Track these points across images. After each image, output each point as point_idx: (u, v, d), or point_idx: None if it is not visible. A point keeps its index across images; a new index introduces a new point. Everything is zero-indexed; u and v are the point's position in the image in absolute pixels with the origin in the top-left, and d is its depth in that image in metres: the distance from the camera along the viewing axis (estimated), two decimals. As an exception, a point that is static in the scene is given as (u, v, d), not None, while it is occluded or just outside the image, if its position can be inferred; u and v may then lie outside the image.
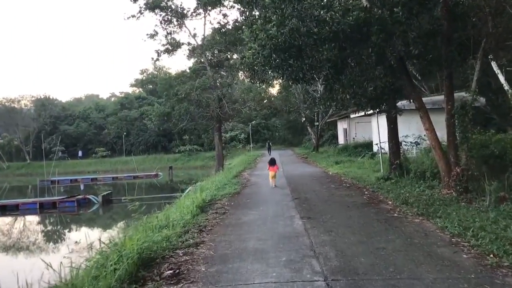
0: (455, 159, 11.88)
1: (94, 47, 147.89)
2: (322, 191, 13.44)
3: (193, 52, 33.92)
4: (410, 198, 10.85)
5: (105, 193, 26.31)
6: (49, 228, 22.64)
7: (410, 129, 24.01)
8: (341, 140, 41.54)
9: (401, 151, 17.90)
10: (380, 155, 16.91)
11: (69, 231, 20.93)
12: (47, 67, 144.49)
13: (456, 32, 11.87)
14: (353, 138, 36.80)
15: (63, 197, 25.67)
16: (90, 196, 25.37)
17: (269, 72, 12.27)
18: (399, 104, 23.53)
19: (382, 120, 26.61)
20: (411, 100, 12.21)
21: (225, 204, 11.65)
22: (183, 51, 32.48)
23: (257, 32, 10.71)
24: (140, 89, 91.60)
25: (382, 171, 16.41)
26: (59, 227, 22.29)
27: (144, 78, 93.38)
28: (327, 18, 10.31)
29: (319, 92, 38.76)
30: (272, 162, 16.07)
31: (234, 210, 10.72)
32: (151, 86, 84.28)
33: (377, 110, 14.04)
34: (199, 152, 62.28)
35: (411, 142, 22.94)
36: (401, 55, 10.26)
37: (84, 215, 23.39)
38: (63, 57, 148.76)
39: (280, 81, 44.53)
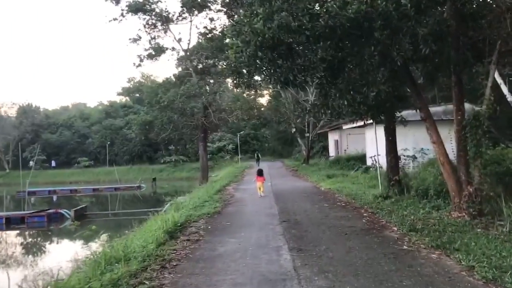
0: (466, 177, 10.31)
1: (82, 55, 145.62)
2: (314, 211, 11.75)
3: (181, 60, 32.36)
4: (417, 223, 9.25)
5: (78, 207, 24.34)
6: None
7: (407, 142, 22.49)
8: (332, 152, 40.03)
9: (400, 166, 16.38)
10: (378, 170, 15.32)
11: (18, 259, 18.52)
12: (33, 75, 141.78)
13: (466, 34, 10.37)
14: (345, 150, 35.32)
15: (32, 211, 23.66)
16: (62, 210, 23.41)
17: (255, 74, 10.67)
18: (404, 114, 22.11)
19: (377, 131, 25.25)
20: (417, 110, 10.64)
21: (200, 228, 9.90)
22: (168, 56, 30.36)
23: (240, 25, 9.09)
24: (127, 98, 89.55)
25: (380, 187, 14.78)
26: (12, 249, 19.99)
27: (131, 86, 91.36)
28: (322, 12, 8.76)
29: (310, 102, 37.30)
30: (260, 173, 16.94)
31: (210, 236, 8.98)
32: (138, 95, 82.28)
33: (377, 120, 12.44)
34: (185, 163, 60.37)
35: (408, 156, 21.47)
36: (408, 55, 8.69)
37: (52, 232, 21.38)
38: (50, 65, 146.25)
39: (268, 85, 43.19)
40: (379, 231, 8.77)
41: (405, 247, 7.39)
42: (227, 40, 10.95)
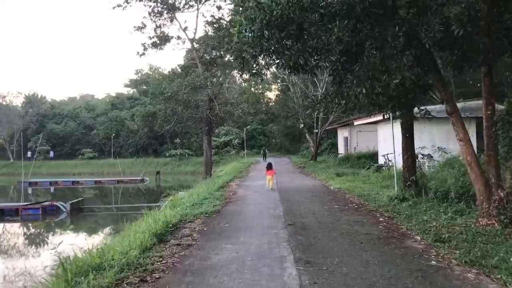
0: (496, 179, 9.10)
1: (91, 46, 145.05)
2: (324, 214, 10.57)
3: (188, 52, 31.22)
4: (442, 231, 8.08)
5: (74, 200, 23.33)
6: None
7: (422, 139, 21.22)
8: (341, 149, 38.76)
9: (416, 166, 15.15)
10: (394, 169, 14.08)
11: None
12: (41, 66, 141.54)
13: (500, 19, 9.10)
14: (355, 148, 34.09)
15: (27, 203, 22.70)
16: (58, 203, 22.40)
17: (260, 58, 9.47)
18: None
19: (388, 129, 23.94)
20: (444, 102, 9.38)
21: (195, 230, 8.76)
22: (173, 45, 29.15)
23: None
24: (134, 90, 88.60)
25: (396, 188, 13.55)
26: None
27: (138, 78, 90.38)
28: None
29: (319, 96, 35.97)
30: (269, 167, 17.52)
31: (204, 240, 7.84)
32: (145, 87, 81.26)
33: (397, 113, 11.18)
34: (191, 157, 59.27)
35: (423, 155, 20.23)
36: (438, 37, 7.46)
37: (47, 225, 20.33)
38: (59, 55, 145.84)
39: (274, 70, 41.74)
40: (399, 241, 7.58)
41: (433, 262, 6.19)
42: (230, 18, 9.77)
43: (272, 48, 8.44)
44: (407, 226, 8.77)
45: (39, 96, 76.26)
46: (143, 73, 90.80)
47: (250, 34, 8.22)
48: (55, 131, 69.83)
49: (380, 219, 9.74)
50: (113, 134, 64.52)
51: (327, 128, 39.38)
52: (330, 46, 7.89)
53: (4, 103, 70.20)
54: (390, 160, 22.16)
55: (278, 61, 8.53)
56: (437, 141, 21.12)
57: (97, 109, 77.14)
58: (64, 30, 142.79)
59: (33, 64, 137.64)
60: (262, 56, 8.96)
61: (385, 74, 8.10)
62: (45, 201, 23.43)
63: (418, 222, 9.03)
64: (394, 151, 14.14)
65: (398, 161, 21.79)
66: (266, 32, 7.93)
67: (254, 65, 10.95)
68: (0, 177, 59.36)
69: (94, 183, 43.65)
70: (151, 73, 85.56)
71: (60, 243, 6.17)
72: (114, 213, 23.91)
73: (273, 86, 55.68)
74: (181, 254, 6.85)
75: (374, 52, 8.04)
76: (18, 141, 68.36)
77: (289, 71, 8.62)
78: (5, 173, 62.28)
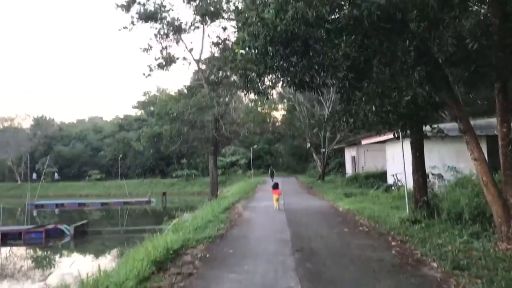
0: (515, 201, 8.64)
1: (100, 68, 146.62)
2: (333, 237, 10.08)
3: (195, 73, 31.19)
4: (459, 256, 7.58)
5: (78, 223, 22.94)
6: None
7: (432, 159, 20.68)
8: (348, 169, 38.18)
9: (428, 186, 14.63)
10: (405, 189, 13.57)
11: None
12: (50, 89, 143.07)
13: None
14: (362, 167, 33.51)
15: (30, 226, 22.33)
16: (61, 226, 22.02)
17: (264, 75, 9.15)
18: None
19: (397, 148, 23.45)
20: (457, 120, 8.96)
21: (197, 257, 8.31)
22: (179, 66, 29.06)
23: (247, 14, 7.65)
24: (142, 111, 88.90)
25: (407, 209, 13.01)
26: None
27: (146, 100, 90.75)
28: (345, 1, 7.28)
29: (326, 116, 35.65)
30: (276, 186, 17.57)
31: (206, 269, 7.39)
32: (152, 108, 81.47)
33: (406, 132, 10.74)
34: (197, 177, 58.86)
35: (433, 174, 19.69)
36: (451, 51, 7.10)
37: (47, 250, 19.90)
38: (68, 78, 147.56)
39: (280, 89, 41.36)
40: (415, 268, 7.07)
41: (454, 295, 5.70)
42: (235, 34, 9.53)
43: (277, 65, 8.13)
44: (422, 251, 8.26)
45: (47, 119, 76.66)
46: (151, 94, 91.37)
47: (253, 51, 7.93)
48: (62, 153, 69.90)
49: (393, 243, 9.23)
50: (120, 156, 64.42)
51: (334, 148, 38.94)
52: (337, 62, 7.55)
53: (12, 125, 70.54)
54: (399, 180, 21.62)
55: (283, 78, 8.19)
56: (446, 160, 20.57)
57: (104, 131, 77.33)
58: (74, 53, 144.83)
59: (42, 87, 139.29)
60: (266, 73, 8.63)
61: (395, 91, 7.72)
62: (49, 224, 23.06)
63: (433, 247, 8.52)
64: (405, 171, 13.63)
65: (408, 181, 21.35)
66: (270, 48, 7.63)
67: (259, 84, 10.65)
68: (7, 199, 59.14)
69: (101, 205, 43.29)
70: (158, 94, 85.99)
71: (50, 274, 5.76)
72: (119, 236, 23.46)
73: (279, 106, 55.53)
74: (180, 285, 6.41)
75: (383, 68, 7.68)
76: (26, 163, 68.59)
77: (294, 88, 8.28)
78: (13, 195, 62.15)
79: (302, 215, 14.57)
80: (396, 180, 21.54)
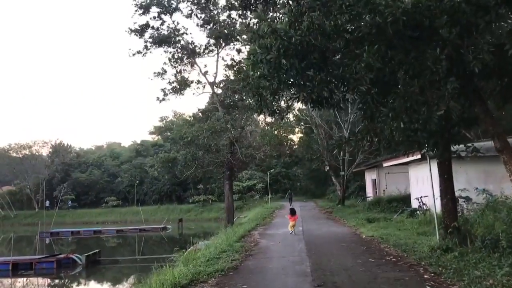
0: None
1: (117, 94, 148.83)
2: (358, 269, 9.11)
3: (211, 97, 30.82)
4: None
5: (91, 252, 22.24)
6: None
7: (458, 181, 19.54)
8: (369, 192, 36.96)
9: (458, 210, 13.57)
10: (434, 214, 12.51)
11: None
12: (68, 115, 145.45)
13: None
14: (384, 191, 32.29)
15: (41, 256, 21.71)
16: (73, 256, 21.35)
17: (278, 92, 8.43)
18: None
19: (421, 169, 22.35)
20: (495, 137, 8.05)
21: (206, 294, 7.49)
22: (193, 90, 28.67)
23: (258, 25, 7.00)
24: (159, 137, 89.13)
25: (437, 236, 11.94)
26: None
27: (163, 125, 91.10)
28: (366, 9, 6.57)
29: (345, 138, 34.67)
30: (293, 212, 17.39)
31: (216, 309, 6.56)
32: (169, 134, 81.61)
33: (435, 151, 9.80)
34: (214, 203, 58.05)
35: (461, 197, 18.56)
36: (488, 59, 6.29)
37: (57, 281, 19.18)
38: (86, 104, 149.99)
39: (297, 112, 40.37)
40: (456, 308, 6.11)
41: None
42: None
43: (292, 80, 7.42)
44: (460, 286, 7.27)
45: (65, 145, 77.26)
46: (167, 120, 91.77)
47: (266, 66, 7.24)
48: (80, 180, 70.04)
49: (425, 276, 8.24)
50: (137, 182, 64.18)
51: (353, 170, 37.81)
52: (359, 75, 6.79)
53: (30, 153, 71.17)
54: (424, 204, 20.51)
55: (299, 95, 7.45)
56: (474, 182, 19.43)
57: (121, 157, 77.56)
58: (93, 80, 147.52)
59: (60, 114, 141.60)
60: (281, 90, 7.91)
61: (425, 106, 6.90)
62: (60, 254, 22.41)
63: (471, 280, 7.54)
64: (433, 194, 12.61)
65: (433, 204, 20.19)
66: (284, 61, 6.93)
67: (273, 102, 9.96)
68: (25, 227, 59.27)
69: (116, 232, 42.73)
70: (175, 119, 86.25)
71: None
72: (132, 265, 22.69)
73: (296, 129, 54.80)
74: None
75: (411, 81, 6.88)
76: (45, 190, 68.84)
77: (312, 105, 7.52)
78: (30, 223, 62.18)
79: (323, 243, 13.60)
80: (421, 204, 20.42)
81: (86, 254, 21.10)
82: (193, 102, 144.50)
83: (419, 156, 19.64)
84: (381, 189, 33.04)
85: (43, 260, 20.95)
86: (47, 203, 62.80)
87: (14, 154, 70.66)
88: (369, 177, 37.00)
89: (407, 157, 21.57)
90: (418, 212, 20.57)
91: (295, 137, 59.71)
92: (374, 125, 7.50)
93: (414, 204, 22.32)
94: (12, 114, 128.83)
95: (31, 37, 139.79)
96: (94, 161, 75.58)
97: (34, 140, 72.38)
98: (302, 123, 46.52)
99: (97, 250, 22.83)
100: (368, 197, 36.11)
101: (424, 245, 11.78)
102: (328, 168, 40.23)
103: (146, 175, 67.06)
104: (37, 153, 72.32)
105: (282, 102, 9.96)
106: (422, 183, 22.06)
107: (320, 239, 14.97)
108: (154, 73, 29.00)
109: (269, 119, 37.66)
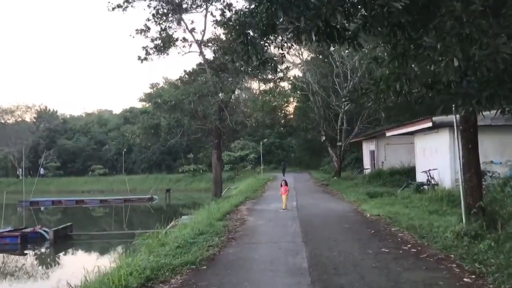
0: None
1: (110, 60, 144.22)
2: (370, 265, 6.93)
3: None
4: None
5: (60, 226, 20.03)
6: None
7: (481, 152, 17.48)
8: (367, 164, 34.96)
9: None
10: (460, 191, 10.29)
11: None
12: (56, 80, 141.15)
13: None
14: (382, 163, 30.30)
15: (4, 230, 19.47)
16: (41, 230, 19.16)
17: (269, 31, 6.06)
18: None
19: (430, 139, 20.18)
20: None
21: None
22: (179, 49, 25.93)
23: None
24: (149, 104, 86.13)
25: (463, 219, 9.77)
26: None
27: (153, 92, 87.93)
28: None
29: (343, 106, 32.36)
30: (284, 183, 15.92)
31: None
32: (159, 100, 78.70)
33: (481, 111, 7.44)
34: (205, 173, 55.92)
35: (489, 172, 16.54)
36: None
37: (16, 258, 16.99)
38: (75, 70, 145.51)
39: (291, 78, 37.66)
40: None
41: None
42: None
43: (288, 4, 5.01)
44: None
45: (50, 111, 74.25)
46: (158, 87, 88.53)
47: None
48: (66, 147, 67.48)
49: (464, 279, 6.07)
50: (124, 150, 61.72)
51: (351, 141, 35.60)
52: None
53: (12, 118, 68.24)
54: (432, 178, 18.45)
55: (299, 24, 5.04)
56: (490, 154, 17.40)
57: (109, 124, 74.73)
58: (85, 44, 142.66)
59: (48, 79, 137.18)
60: (272, 18, 5.51)
61: (488, 37, 4.54)
62: (26, 228, 20.18)
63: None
64: (461, 167, 10.36)
65: (445, 179, 18.13)
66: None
67: (264, 46, 7.62)
68: (8, 195, 57.04)
69: (99, 202, 40.61)
70: (166, 86, 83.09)
71: None
72: (107, 241, 20.58)
73: (291, 99, 52.27)
74: None
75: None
76: (29, 157, 66.33)
77: (316, 39, 5.10)
78: (13, 191, 60.01)
79: (321, 224, 11.45)
80: (430, 177, 18.35)
81: (54, 228, 18.91)
82: (185, 67, 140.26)
83: (429, 124, 17.55)
84: (379, 161, 31.08)
85: (5, 234, 18.74)
86: (19, 171, 60.68)
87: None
88: (367, 148, 34.95)
89: (405, 127, 19.57)
90: (425, 187, 18.55)
91: (290, 107, 57.28)
92: (407, 67, 5.14)
93: (420, 177, 20.29)
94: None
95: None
96: (81, 128, 72.77)
97: (17, 105, 69.15)
98: (298, 92, 44.03)
99: (69, 223, 20.60)
100: (366, 169, 34.20)
101: (443, 229, 9.68)
102: (324, 138, 38.02)
103: (134, 143, 64.73)
104: (20, 119, 69.40)
105: (274, 48, 7.58)
106: (430, 155, 19.97)
107: (318, 217, 12.84)
108: (137, 30, 26.24)
109: (263, 87, 35.47)
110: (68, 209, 38.17)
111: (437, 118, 17.15)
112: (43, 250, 18.59)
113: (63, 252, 18.47)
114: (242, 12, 7.03)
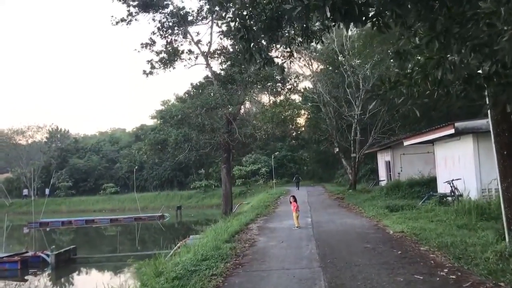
0: None
1: (121, 79, 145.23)
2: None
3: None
4: None
5: (63, 249, 19.09)
6: None
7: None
8: (382, 176, 33.61)
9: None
10: (501, 203, 9.09)
11: None
12: (69, 101, 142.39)
13: None
14: (399, 174, 28.97)
15: (3, 255, 18.56)
16: (42, 254, 18.23)
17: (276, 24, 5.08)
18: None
19: (452, 147, 18.85)
20: None
21: None
22: (184, 62, 25.12)
23: None
24: (160, 121, 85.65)
25: (506, 237, 8.53)
26: None
27: (164, 109, 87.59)
28: None
29: (356, 116, 31.21)
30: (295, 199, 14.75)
31: None
32: (167, 116, 78.07)
33: None
34: (217, 188, 54.90)
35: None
36: None
37: (13, 284, 16.06)
38: (90, 91, 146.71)
39: (301, 89, 36.72)
40: None
41: None
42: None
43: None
44: None
45: (61, 130, 74.19)
46: (169, 103, 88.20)
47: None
48: (77, 166, 67.15)
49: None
50: (136, 167, 61.04)
51: (365, 152, 34.28)
52: None
53: (24, 139, 68.26)
54: (456, 188, 17.12)
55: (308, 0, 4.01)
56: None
57: (121, 142, 74.39)
58: (97, 64, 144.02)
59: (60, 100, 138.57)
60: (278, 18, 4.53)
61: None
62: (27, 252, 19.25)
63: None
64: (499, 177, 9.17)
65: (469, 190, 16.78)
66: None
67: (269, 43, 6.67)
68: (19, 215, 56.64)
69: (110, 221, 39.79)
70: (176, 102, 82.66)
71: None
72: (114, 264, 19.56)
73: (302, 111, 51.20)
74: None
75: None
76: (42, 177, 66.07)
77: (331, 17, 4.05)
78: (26, 211, 59.60)
79: (340, 244, 10.25)
80: (453, 188, 17.03)
81: (55, 252, 17.94)
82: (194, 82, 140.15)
83: (451, 131, 16.30)
84: (395, 172, 29.73)
85: (5, 259, 17.82)
86: (25, 191, 60.42)
87: (8, 140, 67.83)
88: (382, 158, 33.63)
89: (425, 135, 18.23)
90: (448, 198, 17.25)
91: (302, 120, 56.17)
92: (451, 49, 4.05)
93: (442, 188, 18.97)
94: (5, 99, 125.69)
95: (28, 21, 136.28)
96: (93, 146, 72.53)
97: (28, 125, 69.18)
98: (309, 103, 43.00)
99: (72, 246, 19.67)
100: (381, 180, 32.84)
101: (480, 247, 8.47)
102: (337, 149, 36.78)
103: (146, 160, 64.03)
104: (31, 139, 69.44)
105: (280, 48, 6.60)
106: (452, 164, 18.66)
107: (335, 236, 11.64)
108: (142, 44, 25.59)
109: (273, 99, 34.51)
110: (78, 229, 37.42)
111: (460, 124, 15.93)
112: (43, 275, 17.62)
113: (63, 279, 17.47)
114: (241, 2, 6.08)
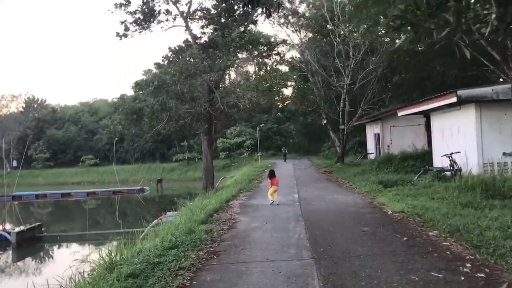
0: None
1: (106, 49, 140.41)
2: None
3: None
4: None
5: (26, 227, 17.48)
6: None
7: (503, 133, 14.90)
8: (371, 148, 32.44)
9: None
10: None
11: None
12: (52, 70, 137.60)
13: None
14: (388, 147, 27.86)
15: (-41, 233, 16.92)
16: (3, 232, 16.60)
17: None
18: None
19: (452, 118, 17.49)
20: None
21: None
22: (162, 24, 23.01)
23: None
24: (141, 92, 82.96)
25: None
26: None
27: (145, 79, 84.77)
28: None
29: (345, 86, 29.65)
30: (272, 174, 13.52)
31: None
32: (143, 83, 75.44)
33: None
34: (200, 161, 53.34)
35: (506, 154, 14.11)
36: None
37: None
38: (72, 59, 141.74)
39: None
40: None
41: None
42: None
43: None
44: None
45: (38, 100, 71.28)
46: (151, 73, 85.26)
47: None
48: (55, 137, 64.77)
49: None
50: (116, 139, 58.98)
51: (354, 124, 32.88)
52: None
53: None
54: (455, 162, 15.85)
55: None
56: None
57: (100, 112, 71.87)
58: (79, 32, 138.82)
59: (39, 68, 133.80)
60: None
61: None
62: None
63: None
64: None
65: (470, 164, 15.56)
66: None
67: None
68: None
69: (87, 195, 38.12)
70: (158, 72, 79.92)
71: None
72: (83, 241, 18.05)
73: (289, 83, 49.38)
74: None
75: None
76: (19, 148, 63.59)
77: None
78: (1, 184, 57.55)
79: (333, 227, 8.80)
80: (452, 162, 15.75)
81: (17, 230, 16.33)
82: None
83: (453, 99, 14.88)
84: (385, 145, 28.60)
85: (-38, 238, 16.23)
86: (14, 163, 58.01)
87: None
88: (371, 131, 32.39)
89: (436, 101, 16.75)
90: (447, 173, 16.01)
91: (288, 91, 54.46)
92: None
93: (438, 162, 17.74)
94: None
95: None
96: (71, 117, 70.01)
97: (1, 94, 66.22)
98: (296, 72, 41.21)
99: (37, 223, 18.06)
100: (370, 153, 31.70)
101: (499, 233, 7.12)
102: (325, 121, 35.34)
103: (126, 132, 61.95)
104: (5, 108, 66.58)
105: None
106: (451, 136, 17.36)
107: (327, 216, 10.23)
108: (115, 4, 23.33)
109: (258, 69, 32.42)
110: (53, 202, 35.72)
111: (463, 92, 14.55)
112: (2, 256, 16.03)
113: (23, 261, 15.86)
114: None
